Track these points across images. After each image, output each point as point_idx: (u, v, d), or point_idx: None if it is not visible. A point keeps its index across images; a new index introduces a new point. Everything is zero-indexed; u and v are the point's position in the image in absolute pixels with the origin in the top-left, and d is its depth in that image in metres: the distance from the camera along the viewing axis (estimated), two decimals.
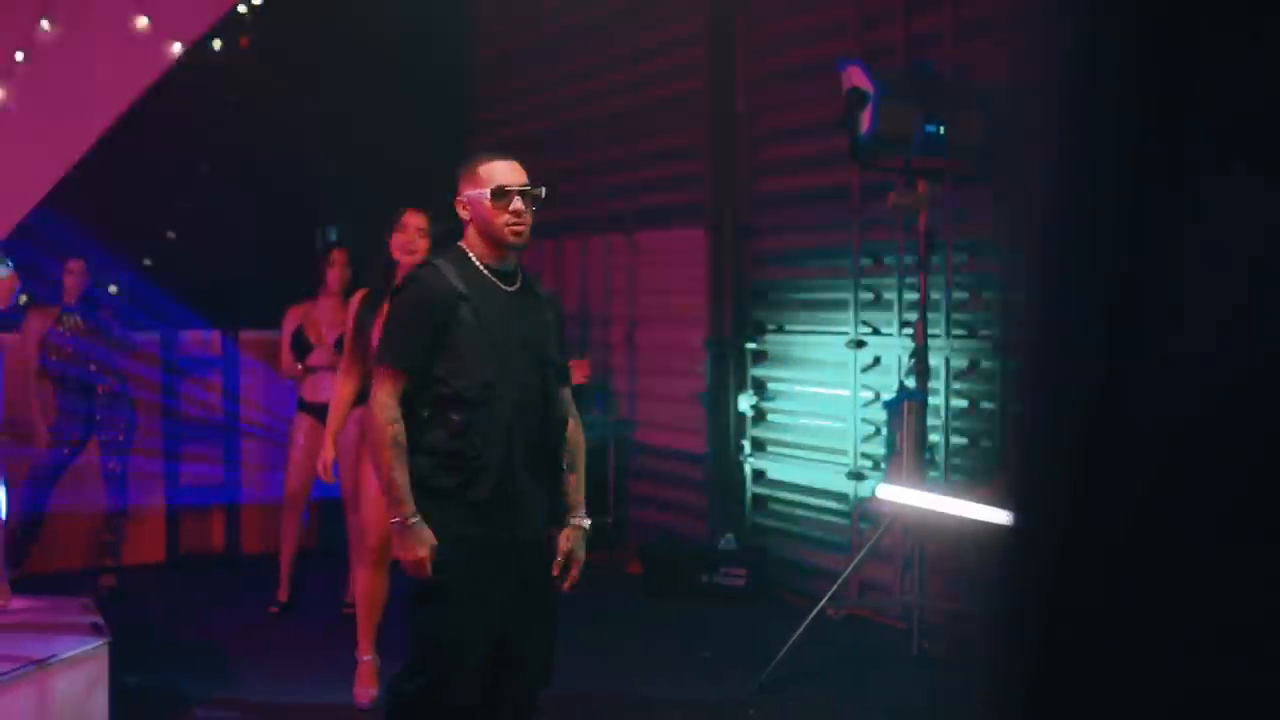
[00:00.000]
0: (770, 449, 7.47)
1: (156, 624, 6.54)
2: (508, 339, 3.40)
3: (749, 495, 7.55)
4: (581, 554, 3.51)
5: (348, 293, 6.02)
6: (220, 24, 8.34)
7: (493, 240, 3.44)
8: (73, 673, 4.80)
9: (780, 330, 7.38)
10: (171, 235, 8.24)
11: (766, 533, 7.43)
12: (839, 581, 5.70)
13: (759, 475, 7.53)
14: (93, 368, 6.88)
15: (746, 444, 7.52)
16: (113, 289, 7.72)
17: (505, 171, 3.46)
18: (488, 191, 3.42)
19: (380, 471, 3.33)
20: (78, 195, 7.83)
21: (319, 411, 6.28)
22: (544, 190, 3.50)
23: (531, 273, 3.65)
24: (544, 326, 3.53)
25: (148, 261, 8.03)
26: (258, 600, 6.77)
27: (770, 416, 7.48)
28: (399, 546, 3.28)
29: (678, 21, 8.09)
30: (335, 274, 6.46)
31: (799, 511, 7.23)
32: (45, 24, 7.60)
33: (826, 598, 5.58)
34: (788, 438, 7.33)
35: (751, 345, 7.51)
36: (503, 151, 3.60)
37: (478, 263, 3.44)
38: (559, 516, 3.53)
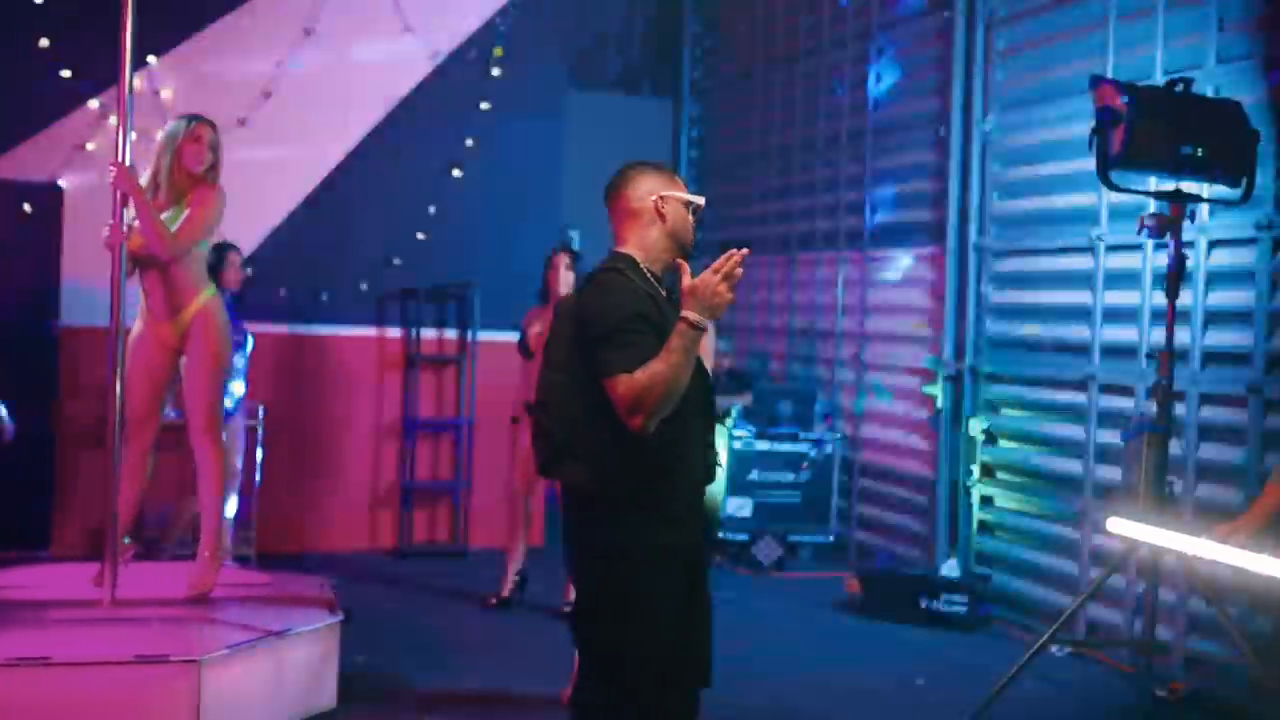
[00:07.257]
0: (1000, 475, 7.27)
1: (385, 608, 6.82)
2: None
3: (975, 521, 7.36)
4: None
5: None
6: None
7: (679, 246, 3.40)
8: (307, 646, 5.06)
9: (1016, 354, 7.17)
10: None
11: (991, 561, 7.22)
12: (1064, 616, 5.49)
13: (986, 501, 7.34)
14: None
15: (975, 469, 7.33)
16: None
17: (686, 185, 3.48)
18: (689, 199, 3.40)
19: (668, 368, 3.10)
20: None
21: None
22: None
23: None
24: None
25: (397, 261, 8.34)
26: (481, 593, 6.98)
27: (1001, 442, 7.27)
28: (710, 314, 3.12)
29: (921, 39, 8.00)
30: (553, 277, 6.55)
31: (1026, 541, 7.01)
32: (307, 34, 8.04)
33: (1050, 632, 5.37)
34: (1018, 464, 7.12)
35: (986, 369, 7.33)
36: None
37: (648, 271, 3.38)
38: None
